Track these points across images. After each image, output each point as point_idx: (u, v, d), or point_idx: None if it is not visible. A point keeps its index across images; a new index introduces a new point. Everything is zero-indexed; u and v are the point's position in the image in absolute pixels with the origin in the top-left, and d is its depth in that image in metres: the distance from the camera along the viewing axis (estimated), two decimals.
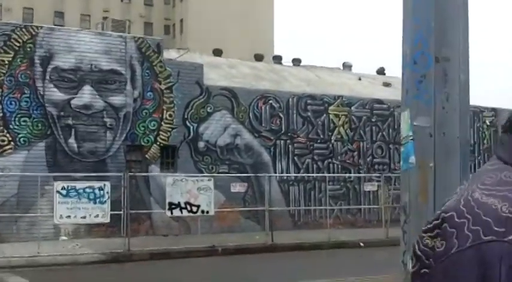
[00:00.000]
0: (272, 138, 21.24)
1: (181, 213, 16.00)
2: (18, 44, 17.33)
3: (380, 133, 23.45)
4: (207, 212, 16.08)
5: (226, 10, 57.67)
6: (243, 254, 15.23)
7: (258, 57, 29.52)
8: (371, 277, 10.73)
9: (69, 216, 14.47)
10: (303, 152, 21.83)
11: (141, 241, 15.85)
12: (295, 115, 21.83)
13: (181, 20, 59.11)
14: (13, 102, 17.19)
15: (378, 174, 21.04)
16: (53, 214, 14.42)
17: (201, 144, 19.91)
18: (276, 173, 20.90)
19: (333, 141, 22.42)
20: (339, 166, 22.44)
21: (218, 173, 19.42)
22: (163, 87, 19.38)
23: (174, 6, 60.76)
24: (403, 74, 2.81)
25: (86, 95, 18.02)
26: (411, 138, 2.67)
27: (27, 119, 17.32)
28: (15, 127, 17.16)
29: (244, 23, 58.19)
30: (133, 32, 36.24)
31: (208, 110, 20.11)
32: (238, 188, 17.86)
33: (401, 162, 2.80)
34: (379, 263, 12.96)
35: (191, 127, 19.79)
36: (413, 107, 2.68)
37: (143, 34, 53.80)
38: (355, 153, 22.83)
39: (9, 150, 16.99)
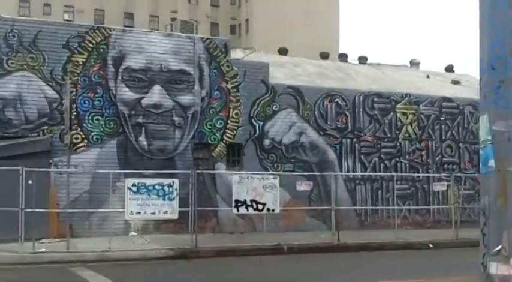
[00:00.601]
0: (338, 136, 21.14)
1: (247, 211, 16.14)
2: (91, 45, 17.95)
3: (449, 132, 22.96)
4: (273, 210, 16.16)
5: (291, 9, 57.70)
6: (308, 253, 15.23)
7: (324, 56, 29.39)
8: (444, 279, 10.53)
9: (139, 212, 14.84)
10: (370, 150, 21.63)
11: (208, 238, 16.11)
12: (361, 113, 21.65)
13: (247, 20, 59.54)
14: (87, 102, 17.82)
15: (448, 174, 20.59)
16: (124, 210, 14.83)
17: (267, 142, 20.04)
18: (342, 171, 20.79)
19: (400, 140, 22.12)
20: (407, 165, 22.10)
21: (283, 171, 19.51)
22: (230, 86, 19.62)
23: (239, 6, 61.25)
24: (480, 79, 2.80)
25: (156, 94, 18.47)
26: (490, 142, 2.66)
27: (99, 117, 17.91)
28: (89, 125, 17.77)
29: (309, 21, 58.03)
30: (200, 32, 36.87)
31: (274, 109, 20.22)
32: (303, 186, 17.83)
33: (480, 166, 2.79)
34: (449, 265, 12.73)
35: (257, 125, 19.95)
36: (492, 112, 2.67)
37: (209, 34, 54.72)
38: (424, 152, 22.44)
39: (83, 148, 17.62)
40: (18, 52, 17.22)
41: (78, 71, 17.76)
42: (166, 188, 15.06)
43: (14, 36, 17.25)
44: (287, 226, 18.64)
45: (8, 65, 17.11)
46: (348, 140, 21.31)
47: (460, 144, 23.04)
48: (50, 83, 17.38)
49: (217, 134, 19.39)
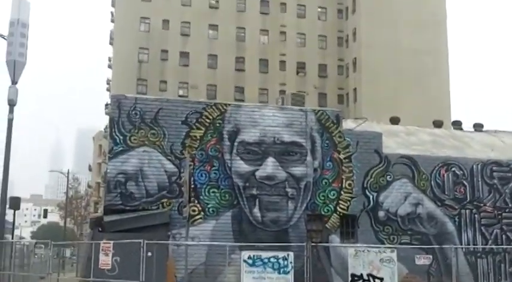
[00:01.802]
0: (456, 207, 20.37)
1: None
2: (208, 121, 18.67)
3: None
4: None
5: (400, 77, 57.36)
6: None
7: (437, 124, 28.71)
8: None
9: None
10: (491, 221, 20.60)
11: None
12: (480, 182, 20.84)
13: (355, 89, 59.75)
14: (203, 175, 18.39)
15: None
16: None
17: (381, 214, 19.62)
18: (461, 244, 19.87)
19: None
20: None
21: (400, 243, 18.93)
22: (342, 156, 19.58)
23: (347, 76, 61.74)
24: None
25: (269, 166, 18.75)
26: None
27: (215, 190, 18.37)
28: (205, 198, 18.25)
29: (418, 89, 57.33)
30: (308, 102, 37.31)
31: (388, 179, 19.89)
32: (422, 260, 17.17)
33: None
34: None
35: (371, 196, 19.64)
36: None
37: (317, 104, 55.40)
38: None
39: (199, 220, 18.04)
40: (141, 129, 18.20)
41: (196, 146, 18.46)
42: (281, 261, 15.05)
43: (136, 114, 18.30)
44: None
45: (130, 141, 18.09)
46: (467, 211, 20.46)
47: None
48: (169, 158, 18.15)
49: (330, 205, 19.24)
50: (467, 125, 30.26)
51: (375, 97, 56.22)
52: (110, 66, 64.56)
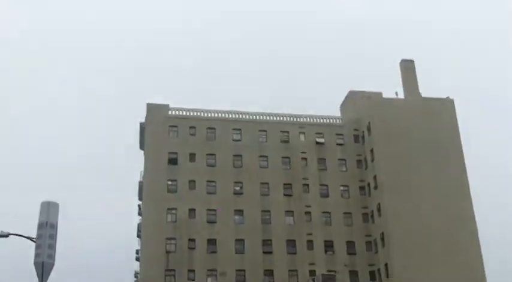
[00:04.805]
0: None
1: None
2: None
3: None
4: None
5: (430, 247, 56.66)
6: None
7: None
8: None
9: None
10: None
11: None
12: None
13: (386, 265, 58.57)
14: None
15: None
16: None
17: None
18: None
19: None
20: None
21: None
22: None
23: (376, 252, 60.89)
24: None
25: None
26: None
27: None
28: None
29: (450, 257, 56.15)
30: (340, 281, 36.51)
31: None
32: None
33: None
34: None
35: None
36: None
37: None
38: None
39: None
40: None
41: None
42: None
43: None
44: None
45: None
46: None
47: None
48: None
49: None
50: None
51: (407, 271, 55.00)
52: (137, 259, 64.62)
